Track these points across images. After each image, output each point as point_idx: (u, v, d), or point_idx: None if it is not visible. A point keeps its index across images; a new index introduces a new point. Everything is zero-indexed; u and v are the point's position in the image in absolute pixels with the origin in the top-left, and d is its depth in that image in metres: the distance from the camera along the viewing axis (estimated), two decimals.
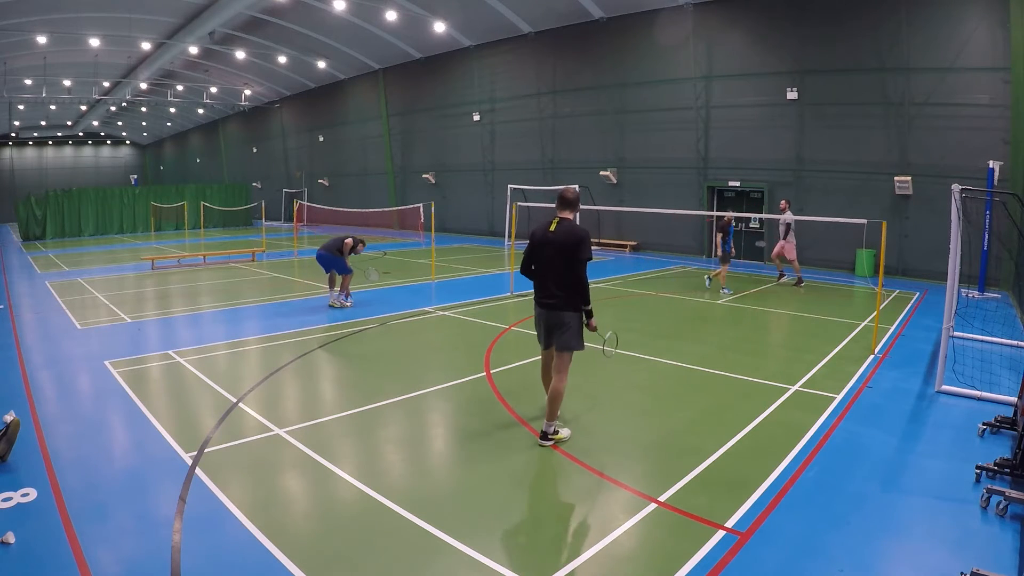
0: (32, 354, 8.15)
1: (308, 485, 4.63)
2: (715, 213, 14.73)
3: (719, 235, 12.90)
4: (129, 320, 10.26)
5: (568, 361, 5.26)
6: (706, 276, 13.83)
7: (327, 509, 4.31)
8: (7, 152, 54.62)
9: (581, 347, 5.24)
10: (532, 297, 5.46)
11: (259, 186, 42.62)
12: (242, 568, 3.57)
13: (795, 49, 17.47)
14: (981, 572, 3.34)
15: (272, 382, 6.98)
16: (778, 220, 13.99)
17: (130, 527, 3.97)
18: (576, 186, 5.51)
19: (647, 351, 8.28)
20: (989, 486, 4.36)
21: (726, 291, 12.79)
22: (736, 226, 18.99)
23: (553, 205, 5.54)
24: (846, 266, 16.68)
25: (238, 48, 28.99)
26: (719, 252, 12.88)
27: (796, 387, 6.83)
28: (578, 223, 5.39)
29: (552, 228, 5.19)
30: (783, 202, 14.08)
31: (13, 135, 52.06)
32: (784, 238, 13.75)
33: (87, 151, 59.92)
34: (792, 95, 17.50)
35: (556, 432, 5.34)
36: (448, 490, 4.57)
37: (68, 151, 58.46)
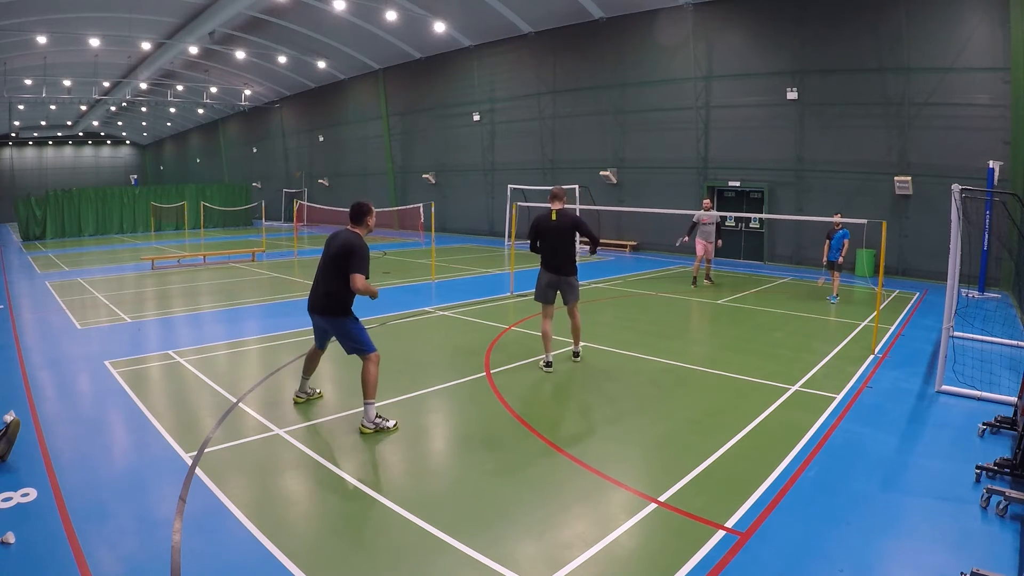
0: (32, 354, 8.15)
1: (308, 485, 4.63)
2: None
3: (827, 241, 11.91)
4: (129, 320, 10.26)
5: (577, 306, 7.39)
6: (834, 296, 12.14)
7: (327, 509, 4.31)
8: (7, 152, 54.58)
9: (578, 297, 7.37)
10: (533, 294, 7.55)
11: (259, 186, 42.61)
12: (242, 568, 3.57)
13: (795, 49, 17.47)
14: (981, 572, 3.34)
15: (272, 382, 6.98)
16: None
17: (130, 527, 3.97)
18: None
19: (647, 351, 8.28)
20: (989, 486, 4.36)
21: (831, 299, 12.02)
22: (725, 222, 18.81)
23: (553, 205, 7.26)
24: (846, 266, 16.67)
25: (238, 48, 28.98)
26: (824, 260, 12.02)
27: (796, 387, 6.83)
28: (568, 208, 7.29)
29: (553, 217, 7.04)
30: (707, 201, 14.48)
31: (13, 135, 52.04)
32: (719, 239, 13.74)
33: (87, 151, 59.89)
34: (792, 95, 17.50)
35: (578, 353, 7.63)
36: (448, 490, 4.57)
37: (68, 151, 58.43)
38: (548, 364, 7.26)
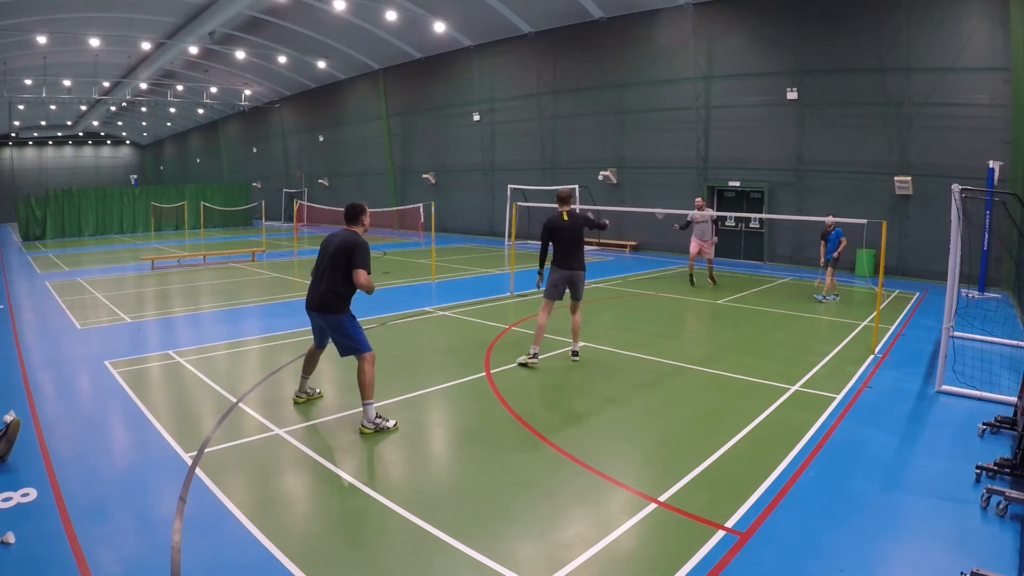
0: (32, 354, 8.15)
1: (308, 485, 4.63)
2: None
3: (823, 242, 12.09)
4: (129, 320, 10.26)
5: (580, 304, 7.77)
6: (822, 295, 12.28)
7: (327, 509, 4.31)
8: (7, 152, 54.59)
9: (582, 296, 7.82)
10: (534, 293, 7.24)
11: (259, 186, 42.62)
12: (242, 568, 3.57)
13: (795, 49, 17.47)
14: (981, 572, 3.34)
15: (272, 382, 6.98)
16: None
17: (130, 527, 3.97)
18: (574, 186, 7.64)
19: (647, 351, 8.28)
20: (989, 486, 4.36)
21: (832, 298, 12.11)
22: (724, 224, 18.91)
23: (554, 205, 7.66)
24: (846, 266, 16.67)
25: (238, 48, 28.99)
26: (822, 262, 12.19)
27: (796, 387, 6.83)
28: (578, 210, 8.04)
29: (565, 217, 7.47)
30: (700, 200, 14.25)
31: (13, 135, 52.03)
32: (715, 235, 13.80)
33: (87, 151, 59.90)
34: (792, 95, 17.50)
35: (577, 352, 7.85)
36: (448, 490, 4.57)
37: (68, 151, 58.44)
38: (535, 356, 7.50)
